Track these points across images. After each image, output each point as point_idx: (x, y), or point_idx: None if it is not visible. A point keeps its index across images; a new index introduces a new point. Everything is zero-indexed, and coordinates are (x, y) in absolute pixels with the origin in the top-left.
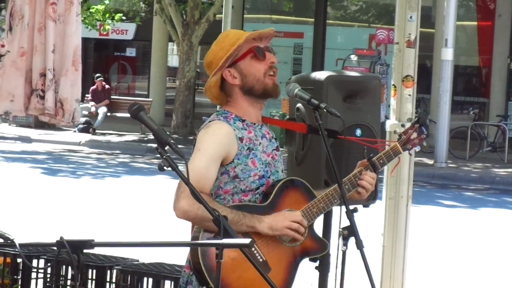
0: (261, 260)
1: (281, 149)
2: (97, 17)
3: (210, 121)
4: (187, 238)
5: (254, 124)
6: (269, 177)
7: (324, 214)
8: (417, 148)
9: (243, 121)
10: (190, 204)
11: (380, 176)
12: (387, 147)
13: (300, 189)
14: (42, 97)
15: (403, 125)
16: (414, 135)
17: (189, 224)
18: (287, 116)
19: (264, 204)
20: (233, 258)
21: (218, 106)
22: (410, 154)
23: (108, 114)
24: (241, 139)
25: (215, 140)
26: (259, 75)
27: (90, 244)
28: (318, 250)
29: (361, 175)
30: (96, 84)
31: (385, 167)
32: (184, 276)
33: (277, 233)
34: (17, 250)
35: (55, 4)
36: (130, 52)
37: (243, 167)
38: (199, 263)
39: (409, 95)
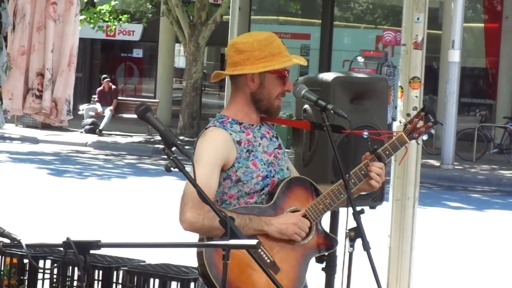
0: (268, 261)
1: (288, 150)
2: (104, 19)
3: (206, 128)
4: (194, 239)
5: (252, 125)
6: (273, 177)
7: (331, 215)
8: (425, 137)
9: (240, 124)
10: (195, 215)
11: (386, 178)
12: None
13: (305, 186)
14: (38, 97)
15: (408, 115)
16: (421, 123)
17: None
18: (294, 118)
19: (269, 204)
20: (240, 261)
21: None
22: (418, 143)
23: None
24: (239, 142)
25: (212, 148)
26: (273, 94)
27: (97, 244)
28: (327, 247)
29: (367, 168)
30: (102, 85)
31: (391, 169)
32: (199, 285)
33: (285, 238)
34: (23, 250)
35: (55, 4)
36: (137, 53)
37: (245, 169)
38: (204, 265)
39: (416, 96)
